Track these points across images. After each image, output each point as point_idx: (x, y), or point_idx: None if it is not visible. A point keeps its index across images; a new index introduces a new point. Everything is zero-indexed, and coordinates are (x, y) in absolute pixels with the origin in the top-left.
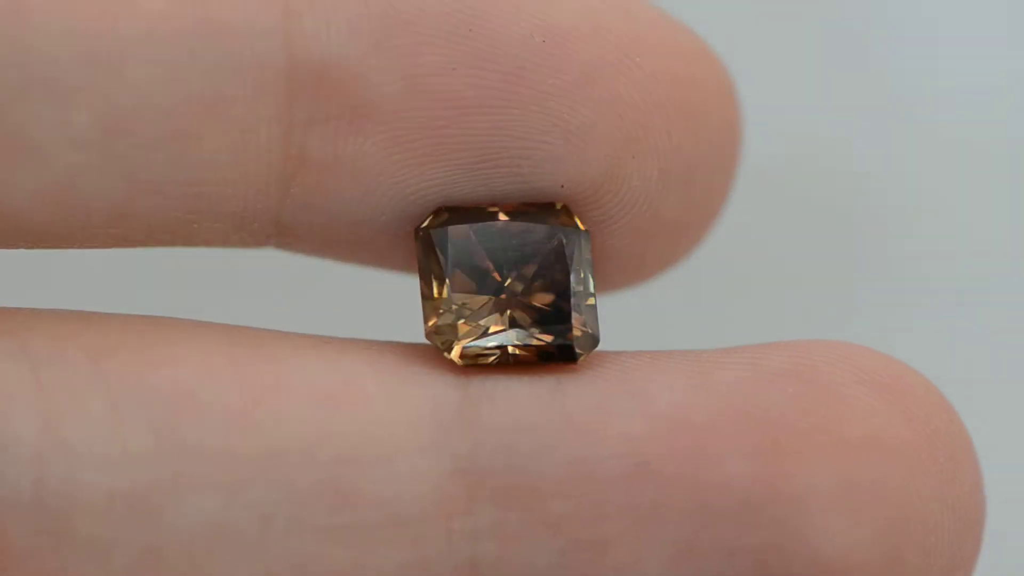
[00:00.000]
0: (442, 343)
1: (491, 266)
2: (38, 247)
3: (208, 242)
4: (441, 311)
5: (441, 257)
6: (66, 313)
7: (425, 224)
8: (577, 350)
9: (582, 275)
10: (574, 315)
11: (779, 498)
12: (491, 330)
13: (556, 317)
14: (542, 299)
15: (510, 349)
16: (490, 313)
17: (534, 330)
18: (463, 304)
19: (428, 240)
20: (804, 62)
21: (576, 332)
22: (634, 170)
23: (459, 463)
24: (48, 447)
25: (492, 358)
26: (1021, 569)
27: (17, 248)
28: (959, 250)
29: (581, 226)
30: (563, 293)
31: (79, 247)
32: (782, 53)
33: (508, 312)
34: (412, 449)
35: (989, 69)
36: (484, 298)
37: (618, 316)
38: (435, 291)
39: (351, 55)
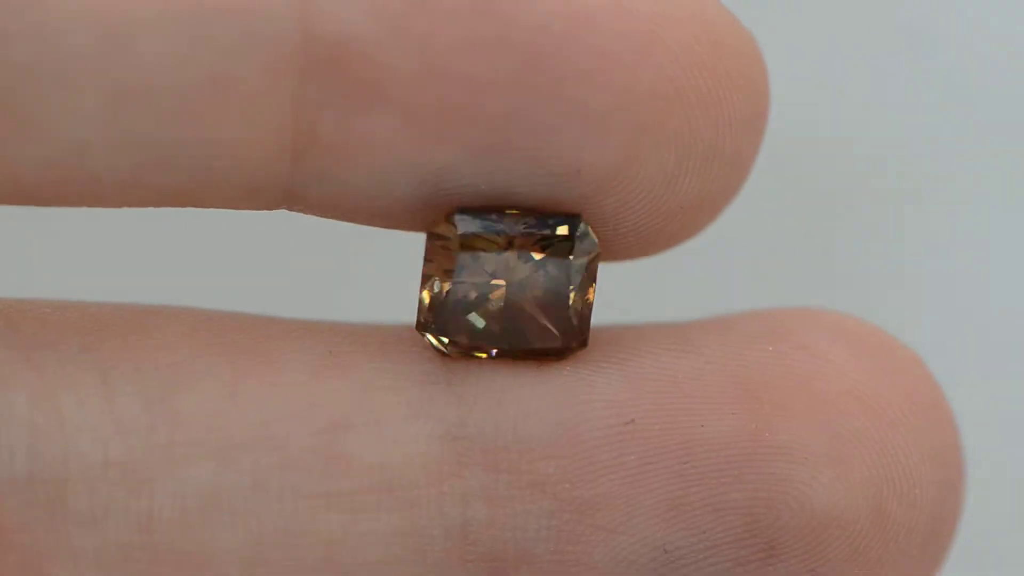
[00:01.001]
0: (432, 336)
1: (493, 275)
2: (43, 206)
3: (218, 205)
4: (435, 308)
5: (449, 254)
6: (56, 301)
7: (438, 229)
8: (565, 353)
9: (584, 286)
10: (570, 319)
11: (764, 452)
12: (479, 335)
13: (550, 327)
14: (536, 305)
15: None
16: (482, 315)
17: (526, 337)
18: (456, 300)
19: (437, 239)
20: (800, 45)
21: (566, 340)
22: (652, 156)
23: (448, 427)
24: (41, 420)
25: (480, 355)
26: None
27: (21, 205)
28: (955, 235)
29: (595, 238)
30: (560, 292)
31: (86, 206)
32: (779, 35)
33: (501, 315)
34: (401, 414)
35: (990, 68)
36: (479, 296)
37: (610, 296)
38: (434, 289)
39: (367, 34)
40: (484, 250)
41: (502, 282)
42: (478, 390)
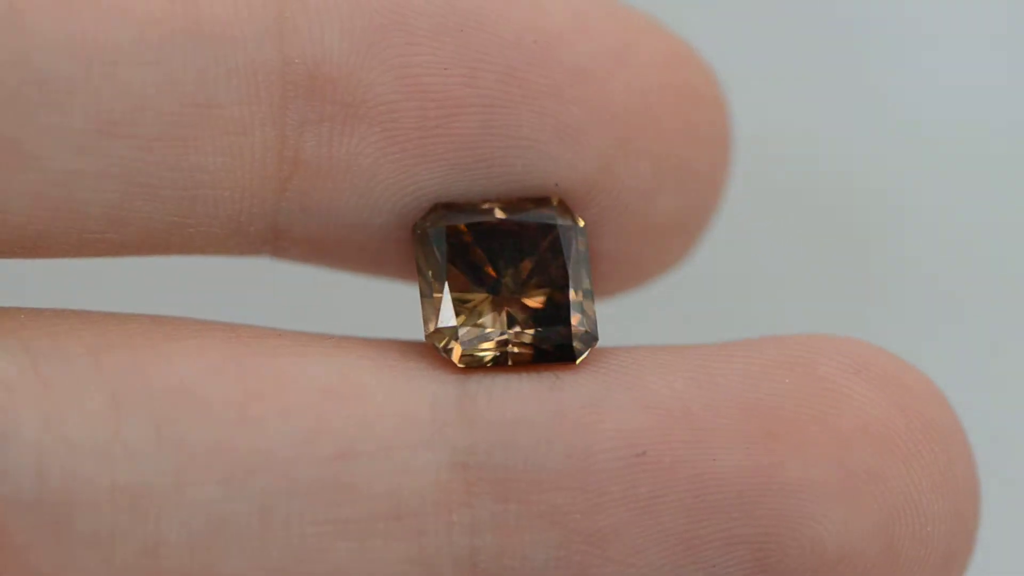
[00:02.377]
0: (441, 344)
1: (487, 262)
2: (34, 256)
3: (204, 249)
4: (440, 311)
5: (437, 254)
6: (66, 312)
7: (421, 221)
8: (576, 347)
9: (579, 271)
10: (572, 313)
11: (776, 488)
12: (488, 330)
13: (553, 316)
14: (538, 297)
15: (510, 347)
16: (487, 312)
17: (531, 330)
18: (461, 301)
19: (425, 236)
20: (799, 63)
21: (575, 331)
22: (627, 168)
23: (458, 456)
24: (49, 442)
25: (490, 357)
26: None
27: (12, 257)
28: (957, 250)
29: (578, 222)
30: (560, 290)
31: (75, 255)
32: (777, 55)
33: (505, 311)
34: (411, 442)
35: (985, 69)
36: (481, 295)
37: (617, 315)
38: (433, 289)
39: (344, 56)
40: (476, 249)
41: (502, 283)
42: (489, 416)
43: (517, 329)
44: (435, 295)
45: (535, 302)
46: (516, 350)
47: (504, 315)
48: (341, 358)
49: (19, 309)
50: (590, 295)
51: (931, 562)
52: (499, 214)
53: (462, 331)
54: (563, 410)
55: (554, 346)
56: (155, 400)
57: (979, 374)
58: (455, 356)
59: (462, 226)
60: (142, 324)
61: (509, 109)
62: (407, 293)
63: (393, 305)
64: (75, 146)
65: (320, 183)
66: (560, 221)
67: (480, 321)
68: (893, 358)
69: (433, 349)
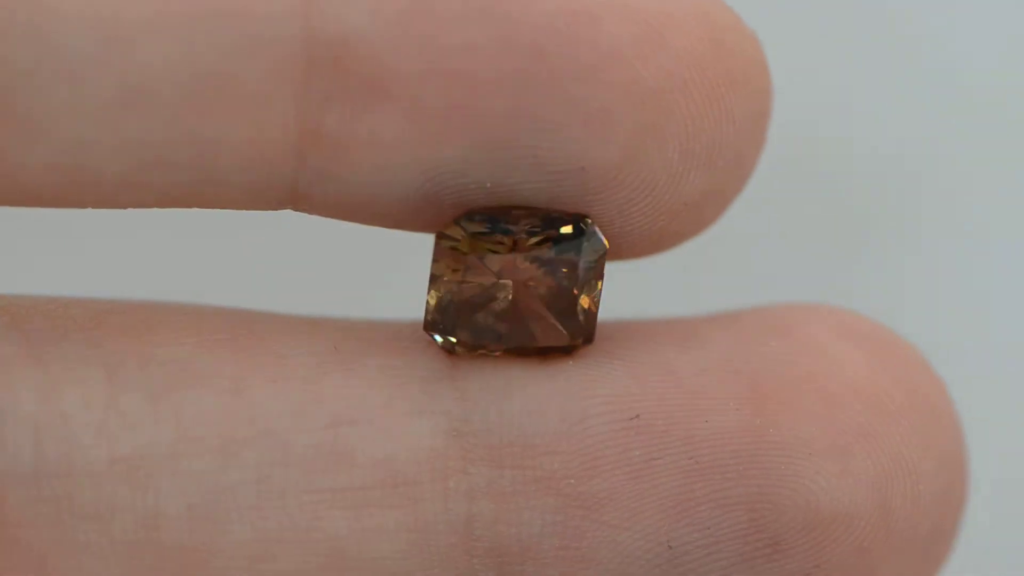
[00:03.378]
0: (438, 335)
1: (501, 277)
2: (49, 206)
3: (223, 206)
4: (442, 307)
5: (451, 256)
6: (60, 297)
7: (448, 231)
8: (573, 345)
9: (592, 286)
10: (577, 319)
11: (769, 447)
12: (486, 333)
13: (562, 310)
14: (542, 303)
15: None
16: (489, 313)
17: (533, 336)
18: (462, 299)
19: (447, 248)
20: (809, 41)
21: (573, 338)
22: (655, 153)
23: (452, 423)
24: (45, 416)
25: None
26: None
27: (25, 206)
28: (961, 231)
29: (604, 241)
30: (567, 299)
31: (88, 207)
32: (787, 31)
33: (508, 313)
34: (405, 410)
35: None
36: (483, 296)
37: (615, 291)
38: (441, 289)
39: (370, 34)
40: (491, 251)
41: (509, 282)
42: (482, 385)
43: (517, 331)
44: (441, 294)
45: (539, 307)
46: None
47: (507, 315)
48: (335, 332)
49: (15, 295)
50: (597, 303)
51: (924, 521)
52: (524, 224)
53: (459, 326)
54: (554, 377)
55: (552, 344)
56: (150, 373)
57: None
58: (450, 346)
59: (484, 233)
60: (135, 307)
61: (537, 91)
62: (412, 283)
63: (398, 290)
64: (90, 119)
65: (340, 159)
66: (584, 259)
67: (479, 314)
68: (879, 325)
69: (429, 335)
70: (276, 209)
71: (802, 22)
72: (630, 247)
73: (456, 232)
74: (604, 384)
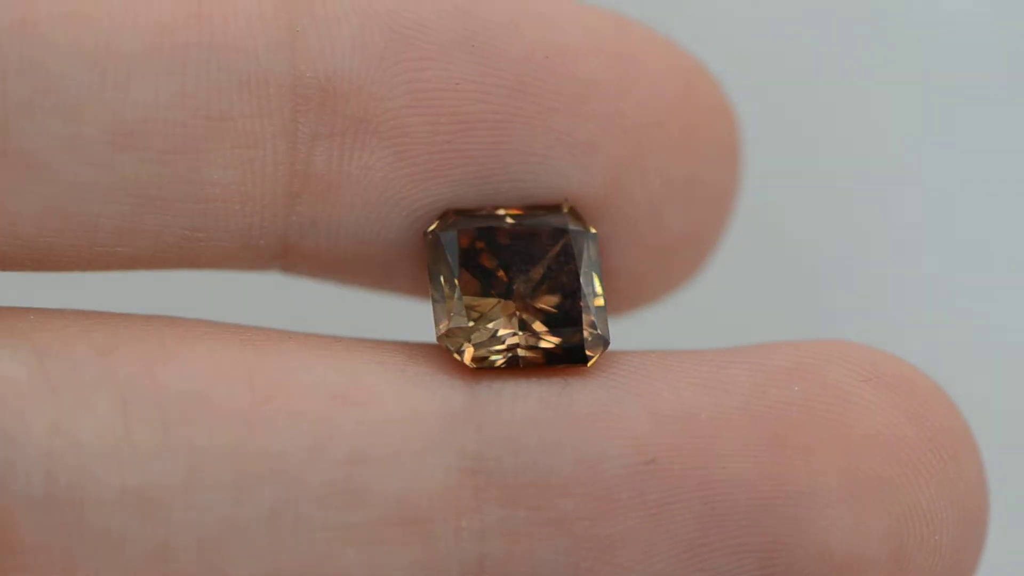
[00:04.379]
0: (453, 346)
1: (499, 268)
2: (42, 269)
3: (214, 263)
4: (452, 314)
5: (449, 259)
6: (75, 312)
7: (433, 227)
8: (588, 351)
9: (590, 276)
10: (584, 316)
11: (786, 495)
12: (500, 333)
13: (565, 319)
14: (550, 300)
15: (520, 352)
16: (499, 316)
17: (543, 331)
18: (472, 306)
19: (437, 242)
20: (807, 65)
21: (586, 334)
22: (637, 184)
23: (467, 461)
24: (58, 443)
25: (501, 360)
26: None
27: (22, 270)
28: (965, 253)
29: (589, 228)
30: (572, 294)
31: (84, 270)
32: (783, 55)
33: (516, 314)
34: (420, 447)
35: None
36: (493, 300)
37: (627, 320)
38: (444, 293)
39: (355, 70)
40: (487, 254)
41: (514, 288)
42: (498, 421)
43: (529, 332)
44: (447, 299)
45: (547, 305)
46: (527, 354)
47: (516, 318)
48: (351, 362)
49: (28, 310)
50: (602, 299)
51: (939, 571)
52: (510, 220)
53: (474, 333)
54: (572, 416)
55: (565, 348)
56: (164, 403)
57: (988, 375)
58: (467, 357)
59: (474, 231)
60: (152, 325)
61: (521, 125)
62: (417, 301)
63: (403, 312)
64: (87, 157)
65: (331, 197)
66: (571, 227)
67: (491, 324)
68: (903, 364)
69: (443, 352)
70: (266, 267)
71: (800, 34)
72: (620, 293)
73: (444, 232)
74: (621, 425)
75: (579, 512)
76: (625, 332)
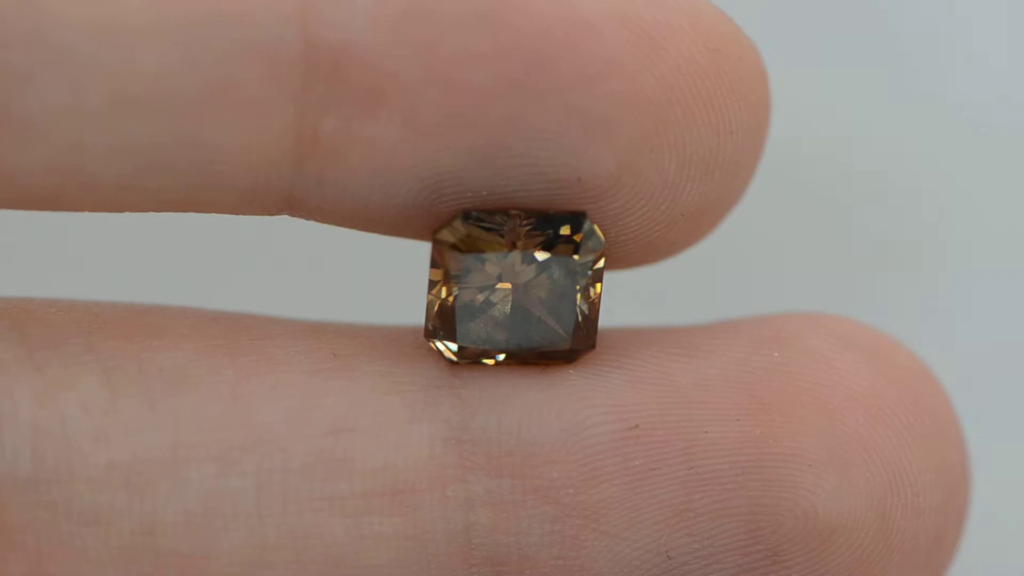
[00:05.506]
0: (440, 344)
1: (498, 280)
2: (47, 209)
3: (219, 210)
4: (444, 315)
5: (452, 275)
6: (60, 300)
7: (442, 234)
8: (574, 350)
9: (588, 287)
10: (576, 324)
11: (768, 458)
12: (489, 342)
13: (555, 334)
14: (543, 307)
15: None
16: (490, 322)
17: (532, 343)
18: (464, 305)
19: (443, 251)
20: (813, 51)
21: (575, 343)
22: (652, 164)
23: (451, 431)
24: (44, 421)
25: (487, 360)
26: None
27: (21, 209)
28: (962, 246)
29: (600, 235)
30: (566, 304)
31: (85, 211)
32: (793, 42)
33: (508, 320)
34: (404, 418)
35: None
36: (486, 302)
37: (616, 299)
38: (441, 294)
39: (368, 41)
40: (489, 253)
41: (508, 285)
42: (482, 393)
43: (518, 340)
44: (442, 300)
45: (540, 311)
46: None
47: (508, 320)
48: (335, 340)
49: (12, 297)
50: (598, 305)
51: (924, 533)
52: (521, 225)
53: (460, 335)
54: (554, 387)
55: (551, 350)
56: (148, 379)
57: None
58: (451, 353)
59: (480, 236)
60: (135, 311)
61: (534, 100)
62: (414, 285)
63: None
64: (89, 124)
65: (337, 165)
66: (582, 258)
67: (481, 321)
68: (881, 334)
69: (426, 345)
70: (272, 215)
71: (813, 32)
72: (625, 257)
73: (452, 234)
74: (604, 393)
75: (564, 480)
76: (608, 308)
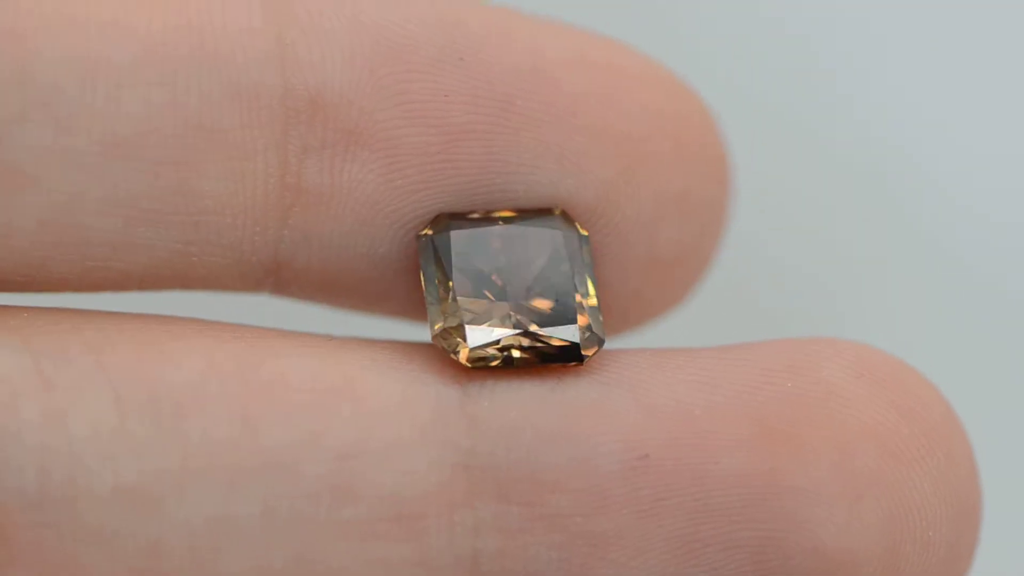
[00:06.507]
0: (449, 346)
1: (493, 271)
2: (34, 288)
3: (206, 281)
4: (447, 315)
5: (444, 261)
6: (68, 310)
7: (426, 230)
8: (583, 351)
9: (583, 276)
10: (578, 315)
11: (778, 490)
12: (495, 334)
13: (560, 318)
14: (544, 303)
15: (514, 353)
16: (494, 316)
17: (538, 331)
18: (467, 308)
19: (430, 244)
20: (792, 69)
21: (581, 332)
22: (628, 197)
23: (460, 457)
24: (51, 440)
25: (496, 361)
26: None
27: (13, 291)
28: (961, 253)
29: (581, 230)
30: (565, 294)
31: (75, 288)
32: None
33: (511, 315)
34: (414, 443)
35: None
36: (487, 302)
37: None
38: (439, 294)
39: (345, 83)
40: (482, 258)
41: (507, 291)
42: (492, 416)
43: (523, 330)
44: (441, 301)
45: (542, 305)
46: (521, 355)
47: (511, 319)
48: (344, 359)
49: (21, 308)
50: (595, 299)
51: (932, 567)
52: (502, 224)
53: (469, 332)
54: (565, 411)
55: (560, 348)
56: (157, 399)
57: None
58: (463, 357)
59: (466, 234)
60: (144, 323)
61: (510, 136)
62: (409, 322)
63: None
64: (79, 169)
65: (322, 210)
66: (563, 229)
67: (486, 325)
68: (896, 361)
69: (438, 351)
70: (257, 287)
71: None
72: (616, 309)
73: (436, 234)
74: (614, 421)
75: (572, 508)
76: (621, 335)
